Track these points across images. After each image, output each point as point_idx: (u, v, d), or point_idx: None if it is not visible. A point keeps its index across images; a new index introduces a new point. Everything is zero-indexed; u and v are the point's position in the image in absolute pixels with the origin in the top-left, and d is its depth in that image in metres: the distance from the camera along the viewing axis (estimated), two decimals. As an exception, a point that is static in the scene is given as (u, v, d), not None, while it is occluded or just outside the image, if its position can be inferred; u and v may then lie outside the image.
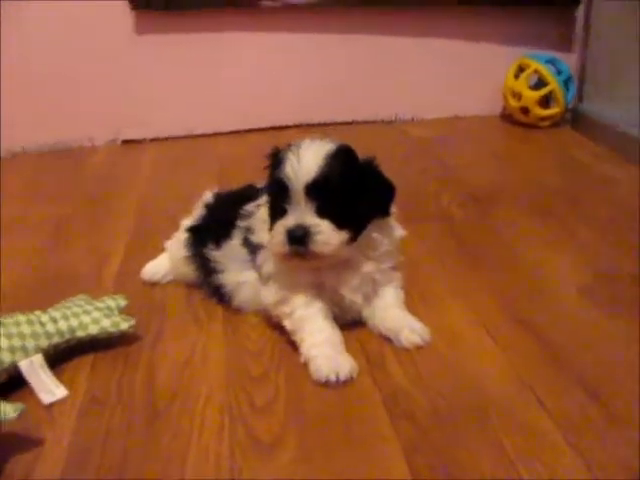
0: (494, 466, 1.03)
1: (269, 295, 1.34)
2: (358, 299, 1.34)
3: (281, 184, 1.23)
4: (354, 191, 1.25)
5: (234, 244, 1.42)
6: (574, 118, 2.77)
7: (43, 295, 1.56)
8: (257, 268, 1.37)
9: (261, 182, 1.50)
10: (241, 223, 1.42)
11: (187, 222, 1.58)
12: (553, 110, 2.74)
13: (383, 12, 2.77)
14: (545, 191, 2.15)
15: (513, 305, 1.47)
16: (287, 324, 1.31)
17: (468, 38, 2.88)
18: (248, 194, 1.48)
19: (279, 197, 1.24)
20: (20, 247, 1.84)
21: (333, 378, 1.20)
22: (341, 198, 1.23)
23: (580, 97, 2.78)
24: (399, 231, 1.39)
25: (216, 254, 1.44)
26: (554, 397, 1.17)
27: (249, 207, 1.42)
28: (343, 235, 1.24)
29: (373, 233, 1.33)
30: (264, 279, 1.35)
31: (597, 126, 2.63)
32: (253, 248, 1.38)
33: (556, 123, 2.79)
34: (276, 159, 1.29)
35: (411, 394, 1.20)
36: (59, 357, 1.31)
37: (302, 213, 1.22)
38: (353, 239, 1.27)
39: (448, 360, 1.29)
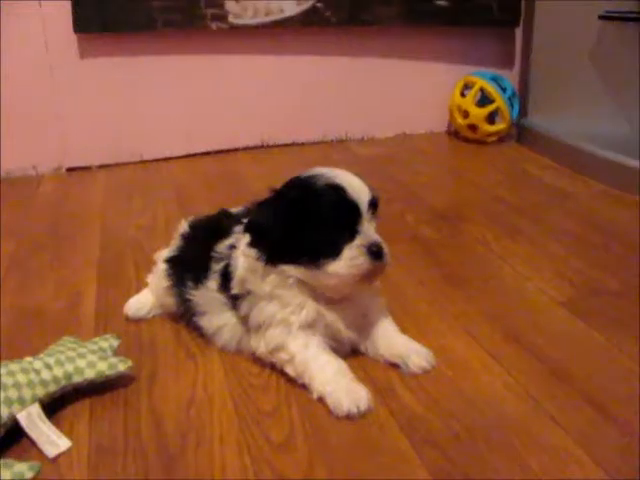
0: (526, 486, 1.03)
1: (262, 344, 1.30)
2: (353, 334, 1.33)
3: (349, 207, 1.23)
4: None
5: (211, 286, 1.37)
6: (519, 133, 2.85)
7: (20, 338, 1.48)
8: (242, 316, 1.33)
9: (239, 204, 1.48)
10: (215, 266, 1.37)
11: (165, 252, 1.53)
12: (500, 126, 2.82)
13: (330, 33, 2.79)
14: (505, 207, 2.20)
15: (504, 323, 1.49)
16: (290, 370, 1.28)
17: (413, 57, 2.93)
18: (223, 224, 1.43)
19: (344, 220, 1.23)
20: (-19, 288, 1.73)
21: (355, 410, 1.18)
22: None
23: (524, 112, 2.86)
24: None
25: (194, 294, 1.40)
26: (565, 413, 1.19)
27: (220, 248, 1.38)
28: None
29: None
30: (254, 328, 1.31)
31: (542, 139, 2.72)
32: (233, 295, 1.33)
33: (502, 138, 2.86)
34: (311, 190, 1.25)
35: (427, 419, 1.19)
36: (54, 405, 1.23)
37: (370, 231, 1.25)
38: None
39: (455, 383, 1.29)
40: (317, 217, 1.23)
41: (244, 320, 1.33)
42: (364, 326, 1.35)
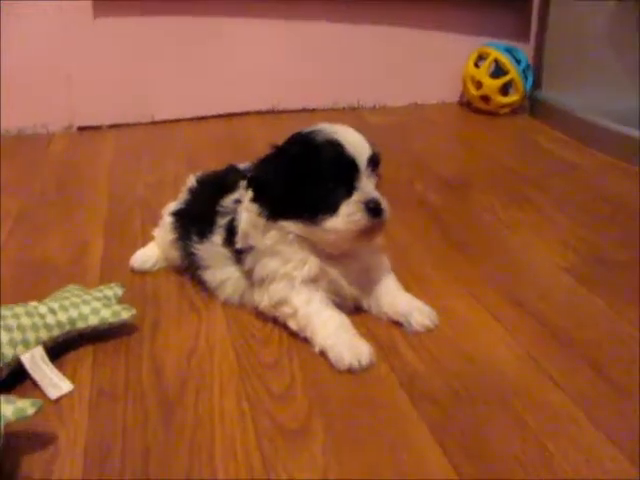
0: (523, 444, 1.03)
1: (265, 298, 1.31)
2: (356, 290, 1.34)
3: (347, 162, 1.23)
4: None
5: (215, 241, 1.38)
6: (532, 105, 2.83)
7: (26, 288, 1.49)
8: (246, 270, 1.34)
9: (242, 163, 1.48)
10: (220, 221, 1.38)
11: (172, 206, 1.54)
12: (513, 98, 2.80)
13: (345, 0, 2.75)
14: (515, 177, 2.19)
15: (508, 287, 1.49)
16: (292, 324, 1.29)
17: (427, 27, 2.90)
18: (230, 179, 1.44)
19: (342, 176, 1.23)
20: (-11, 239, 1.74)
21: (356, 364, 1.19)
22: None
23: (538, 85, 2.83)
24: None
25: (198, 248, 1.40)
26: (566, 375, 1.20)
27: (226, 202, 1.38)
28: None
29: None
30: (257, 282, 1.32)
31: (555, 113, 2.69)
32: (237, 249, 1.34)
33: (514, 110, 2.84)
34: (311, 144, 1.25)
35: (428, 377, 1.19)
36: (57, 349, 1.24)
37: (369, 188, 1.24)
38: None
39: (457, 343, 1.29)
40: (314, 173, 1.24)
41: (248, 274, 1.34)
42: (367, 283, 1.35)
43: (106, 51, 2.61)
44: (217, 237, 1.37)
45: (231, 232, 1.35)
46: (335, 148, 1.23)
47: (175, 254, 1.49)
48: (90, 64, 2.61)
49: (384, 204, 1.24)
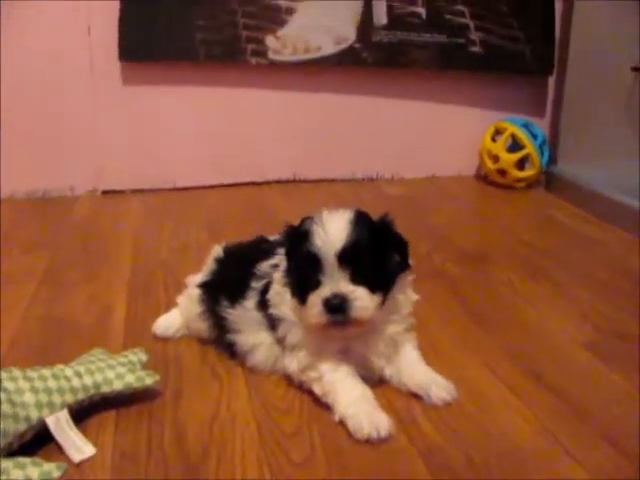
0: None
1: (294, 363, 1.33)
2: (383, 362, 1.35)
3: (312, 256, 1.23)
4: (379, 252, 1.28)
5: (248, 305, 1.40)
6: (548, 180, 2.87)
7: (49, 346, 1.52)
8: (279, 338, 1.36)
9: (272, 234, 1.50)
10: (255, 284, 1.40)
11: (197, 277, 1.56)
12: (529, 172, 2.84)
13: (365, 73, 2.85)
14: (532, 250, 2.21)
15: (526, 361, 1.50)
16: (316, 388, 1.31)
17: (445, 100, 2.97)
18: (260, 249, 1.47)
19: (310, 269, 1.25)
20: (15, 298, 1.77)
21: (375, 435, 1.19)
22: (370, 261, 1.25)
23: (554, 160, 2.88)
24: (413, 295, 1.41)
25: (230, 313, 1.42)
26: (585, 451, 1.20)
27: (263, 266, 1.41)
28: (377, 298, 1.27)
29: (397, 294, 1.35)
30: (288, 348, 1.35)
31: (571, 187, 2.73)
32: (270, 314, 1.37)
33: (530, 185, 2.88)
34: (295, 234, 1.31)
35: (446, 449, 1.20)
36: (81, 413, 1.26)
37: (337, 282, 1.23)
38: (384, 300, 1.30)
39: (475, 416, 1.30)
40: (292, 262, 1.30)
41: (281, 340, 1.36)
42: (392, 355, 1.37)
43: (133, 117, 2.69)
44: (250, 302, 1.39)
45: (265, 297, 1.37)
46: (305, 240, 1.25)
47: (202, 326, 1.50)
48: (117, 130, 2.69)
49: (352, 302, 1.22)
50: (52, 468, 0.99)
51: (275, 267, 1.38)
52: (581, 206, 2.63)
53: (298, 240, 1.28)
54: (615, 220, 2.44)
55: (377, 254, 1.27)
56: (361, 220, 1.27)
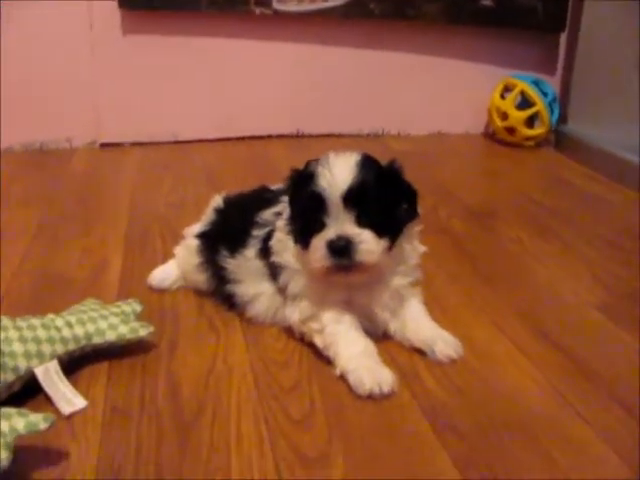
0: (550, 481, 0.99)
1: (296, 313, 1.29)
2: (387, 315, 1.30)
3: (316, 197, 1.19)
4: (387, 197, 1.23)
5: (249, 254, 1.36)
6: (557, 139, 2.80)
7: (43, 301, 1.48)
8: (280, 287, 1.32)
9: (274, 184, 1.46)
10: (257, 232, 1.36)
11: (195, 228, 1.51)
12: (538, 130, 2.77)
13: (372, 26, 2.76)
14: (541, 209, 2.16)
15: (535, 320, 1.45)
16: (318, 340, 1.26)
17: (454, 56, 2.89)
18: (262, 198, 1.42)
19: (314, 211, 1.20)
20: (9, 252, 1.72)
21: (377, 390, 1.15)
22: (377, 205, 1.20)
23: (564, 118, 2.81)
24: (420, 247, 1.35)
25: (230, 262, 1.38)
26: (594, 411, 1.16)
27: (265, 215, 1.37)
28: (383, 243, 1.21)
29: (404, 243, 1.30)
30: (290, 298, 1.30)
31: (581, 147, 2.66)
32: (272, 263, 1.32)
33: (539, 143, 2.81)
34: (300, 176, 1.26)
35: (451, 407, 1.16)
36: (72, 364, 1.21)
37: (342, 224, 1.18)
38: (391, 247, 1.24)
39: (481, 374, 1.25)
40: (295, 205, 1.26)
41: (282, 290, 1.31)
42: (397, 308, 1.32)
43: (133, 69, 2.62)
44: (251, 250, 1.35)
45: (267, 244, 1.33)
46: (309, 182, 1.20)
47: (200, 277, 1.45)
48: (117, 81, 2.62)
49: (358, 244, 1.17)
50: (39, 419, 0.94)
51: (278, 215, 1.33)
52: (590, 165, 2.57)
53: (303, 182, 1.22)
54: (625, 180, 2.39)
55: (384, 198, 1.22)
56: (368, 163, 1.23)
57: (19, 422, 0.92)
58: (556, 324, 1.44)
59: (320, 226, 1.19)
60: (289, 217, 1.29)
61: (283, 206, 1.33)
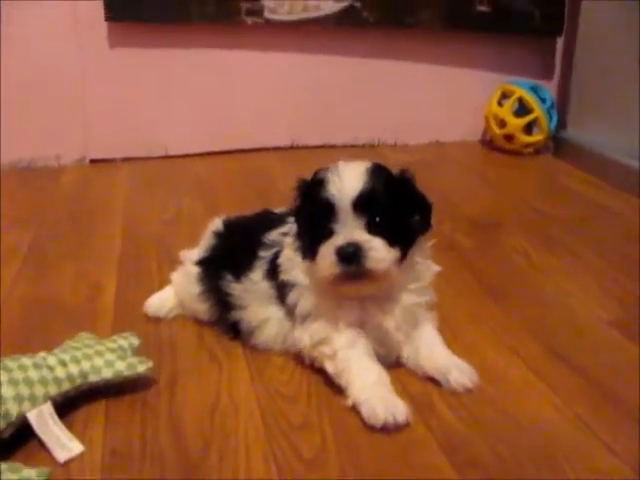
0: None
1: (306, 336, 1.23)
2: (401, 337, 1.25)
3: (326, 204, 1.15)
4: (398, 205, 1.19)
5: (256, 277, 1.30)
6: (556, 145, 2.75)
7: (35, 330, 1.42)
8: (289, 307, 1.26)
9: (282, 205, 1.40)
10: (264, 254, 1.31)
11: (193, 253, 1.45)
12: (537, 137, 2.72)
13: (367, 34, 2.70)
14: (544, 219, 2.11)
15: (548, 340, 1.40)
16: (329, 366, 1.20)
17: (450, 64, 2.83)
18: (267, 219, 1.38)
19: (323, 219, 1.16)
20: (-1, 275, 1.65)
21: (391, 420, 1.09)
22: (387, 212, 1.17)
23: (562, 124, 2.76)
24: (434, 266, 1.30)
25: (235, 288, 1.32)
26: (620, 439, 1.10)
27: (272, 236, 1.32)
28: (394, 252, 1.17)
29: (416, 257, 1.26)
30: (299, 319, 1.24)
31: (580, 152, 2.61)
32: (280, 284, 1.27)
33: (538, 150, 2.76)
34: (309, 184, 1.23)
35: (469, 440, 1.10)
36: (67, 405, 1.14)
37: (351, 230, 1.14)
38: (402, 258, 1.20)
39: (499, 402, 1.20)
40: (303, 213, 1.22)
41: (290, 311, 1.26)
42: (410, 332, 1.26)
43: (122, 83, 2.55)
44: (258, 273, 1.30)
45: (275, 265, 1.28)
46: (318, 189, 1.17)
47: (202, 307, 1.39)
48: (105, 96, 2.55)
49: (368, 251, 1.13)
50: (32, 475, 0.88)
51: (285, 235, 1.29)
52: (591, 172, 2.52)
53: (311, 190, 1.19)
54: (627, 187, 2.33)
55: (395, 206, 1.18)
56: (379, 171, 1.20)
57: (12, 478, 0.85)
58: (571, 343, 1.39)
59: (329, 233, 1.16)
60: (297, 232, 1.25)
61: (290, 227, 1.29)
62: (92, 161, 2.60)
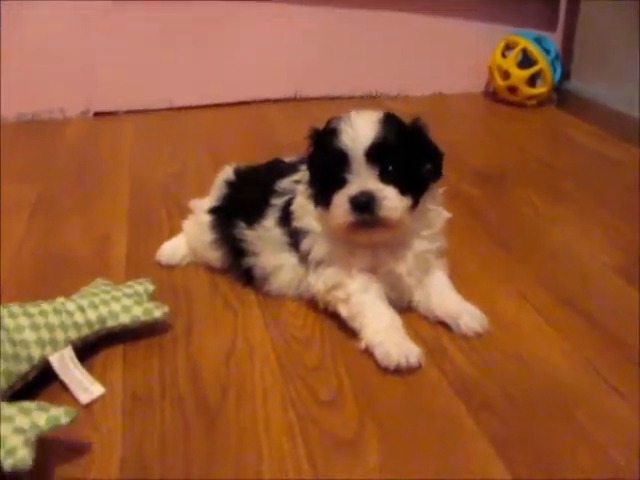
0: (593, 460, 0.96)
1: (320, 281, 1.24)
2: (413, 282, 1.26)
3: (339, 153, 1.16)
4: (410, 153, 1.20)
5: (268, 224, 1.31)
6: (560, 97, 2.74)
7: (47, 282, 1.43)
8: (302, 254, 1.27)
9: (288, 156, 1.42)
10: (276, 201, 1.32)
11: (204, 202, 1.46)
12: (541, 89, 2.71)
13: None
14: (549, 170, 2.12)
15: (557, 287, 1.42)
16: (343, 310, 1.22)
17: (453, 15, 2.81)
18: (278, 168, 1.39)
19: (336, 168, 1.17)
20: (8, 230, 1.65)
21: (404, 362, 1.11)
22: (400, 161, 1.18)
23: (566, 76, 2.74)
24: (445, 212, 1.31)
25: (248, 234, 1.33)
26: (627, 384, 1.12)
27: (284, 183, 1.33)
28: (406, 200, 1.19)
29: (428, 205, 1.27)
30: (313, 265, 1.26)
31: (584, 105, 2.60)
32: (293, 230, 1.28)
33: (541, 102, 2.75)
34: (321, 133, 1.23)
35: (481, 383, 1.12)
36: (86, 349, 1.16)
37: (365, 180, 1.16)
38: (414, 205, 1.21)
39: (508, 346, 1.22)
40: (316, 162, 1.23)
41: (304, 258, 1.27)
42: (422, 277, 1.28)
43: (124, 35, 2.53)
44: (270, 220, 1.31)
45: (287, 212, 1.29)
46: (331, 138, 1.18)
47: (214, 254, 1.41)
48: (107, 48, 2.53)
49: (381, 200, 1.15)
50: (60, 413, 0.89)
51: (297, 183, 1.30)
52: (595, 123, 2.52)
53: (324, 139, 1.20)
54: (631, 137, 2.33)
55: (408, 155, 1.19)
56: (391, 120, 1.21)
57: (40, 417, 0.88)
58: (578, 290, 1.41)
59: (342, 183, 1.17)
60: (309, 180, 1.26)
61: (302, 174, 1.30)
62: (96, 114, 2.59)
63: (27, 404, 0.90)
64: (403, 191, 1.17)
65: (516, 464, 0.95)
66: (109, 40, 2.52)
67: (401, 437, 1.00)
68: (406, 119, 1.25)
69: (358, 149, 1.15)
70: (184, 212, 1.55)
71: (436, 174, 1.26)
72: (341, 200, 1.16)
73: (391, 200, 1.15)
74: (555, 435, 1.01)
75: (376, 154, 1.15)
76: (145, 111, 2.61)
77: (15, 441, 0.84)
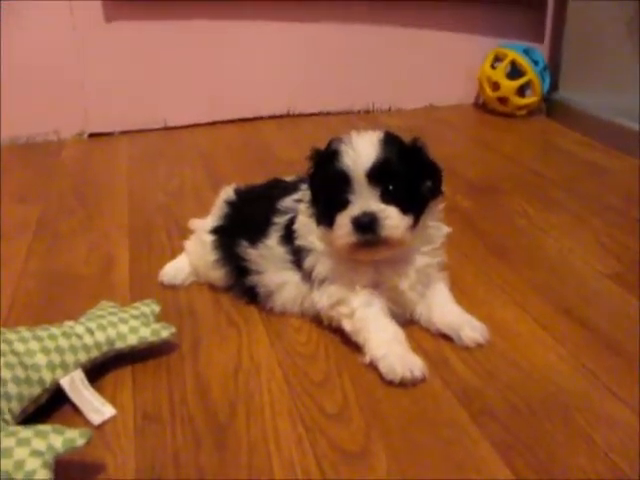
0: (593, 462, 0.99)
1: (324, 298, 1.27)
2: (415, 296, 1.29)
3: (340, 175, 1.19)
4: (411, 173, 1.23)
5: (271, 242, 1.34)
6: (549, 107, 2.79)
7: (53, 303, 1.45)
8: (306, 271, 1.30)
9: (285, 173, 1.45)
10: (278, 220, 1.34)
11: (205, 222, 1.48)
12: (530, 99, 2.76)
13: (359, 1, 2.70)
14: (541, 180, 2.15)
15: (553, 295, 1.45)
16: (347, 325, 1.25)
17: (442, 28, 2.86)
18: (279, 187, 1.41)
19: (338, 189, 1.19)
20: (11, 251, 1.68)
21: (409, 376, 1.14)
22: (401, 181, 1.20)
23: (554, 86, 2.79)
24: (444, 227, 1.34)
25: (251, 253, 1.35)
26: (626, 388, 1.15)
27: (286, 202, 1.36)
28: (408, 219, 1.21)
29: (428, 221, 1.30)
30: (317, 282, 1.28)
31: (573, 114, 2.65)
32: (296, 248, 1.31)
33: (531, 112, 2.79)
34: (322, 155, 1.26)
35: (483, 391, 1.15)
36: (95, 371, 1.19)
37: (366, 200, 1.18)
38: (415, 223, 1.24)
39: (510, 356, 1.24)
40: (318, 184, 1.25)
41: (307, 275, 1.30)
42: (423, 291, 1.31)
43: (118, 55, 2.56)
44: (273, 239, 1.34)
45: (290, 230, 1.32)
46: (332, 160, 1.20)
47: (218, 274, 1.43)
48: (101, 69, 2.56)
49: (385, 219, 1.17)
50: (76, 435, 0.91)
51: (298, 202, 1.33)
52: (584, 132, 2.57)
53: (325, 160, 1.22)
54: (620, 146, 2.38)
55: (408, 175, 1.22)
56: (391, 140, 1.23)
57: (56, 440, 0.90)
58: (574, 298, 1.44)
59: (344, 203, 1.19)
60: (311, 199, 1.28)
61: (303, 193, 1.32)
62: (91, 135, 2.62)
63: (42, 427, 0.92)
64: (404, 210, 1.20)
65: (519, 468, 0.98)
66: (103, 61, 2.55)
67: (407, 447, 1.02)
68: (401, 133, 1.28)
69: (359, 170, 1.17)
70: (184, 231, 1.58)
71: (436, 192, 1.29)
72: (344, 221, 1.18)
73: (393, 220, 1.18)
74: (556, 439, 1.03)
75: (377, 175, 1.18)
76: (140, 131, 2.64)
77: (34, 464, 0.86)
